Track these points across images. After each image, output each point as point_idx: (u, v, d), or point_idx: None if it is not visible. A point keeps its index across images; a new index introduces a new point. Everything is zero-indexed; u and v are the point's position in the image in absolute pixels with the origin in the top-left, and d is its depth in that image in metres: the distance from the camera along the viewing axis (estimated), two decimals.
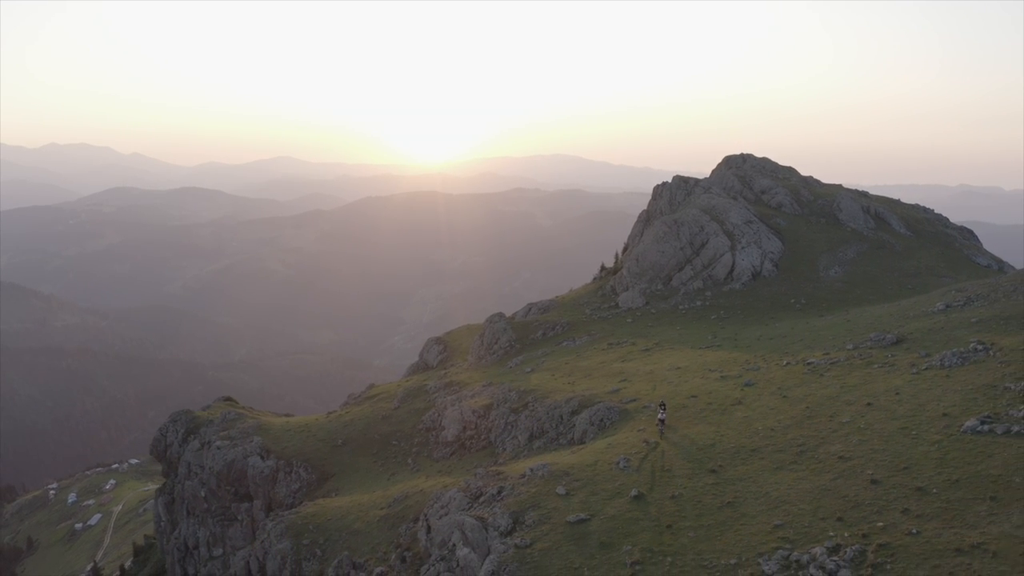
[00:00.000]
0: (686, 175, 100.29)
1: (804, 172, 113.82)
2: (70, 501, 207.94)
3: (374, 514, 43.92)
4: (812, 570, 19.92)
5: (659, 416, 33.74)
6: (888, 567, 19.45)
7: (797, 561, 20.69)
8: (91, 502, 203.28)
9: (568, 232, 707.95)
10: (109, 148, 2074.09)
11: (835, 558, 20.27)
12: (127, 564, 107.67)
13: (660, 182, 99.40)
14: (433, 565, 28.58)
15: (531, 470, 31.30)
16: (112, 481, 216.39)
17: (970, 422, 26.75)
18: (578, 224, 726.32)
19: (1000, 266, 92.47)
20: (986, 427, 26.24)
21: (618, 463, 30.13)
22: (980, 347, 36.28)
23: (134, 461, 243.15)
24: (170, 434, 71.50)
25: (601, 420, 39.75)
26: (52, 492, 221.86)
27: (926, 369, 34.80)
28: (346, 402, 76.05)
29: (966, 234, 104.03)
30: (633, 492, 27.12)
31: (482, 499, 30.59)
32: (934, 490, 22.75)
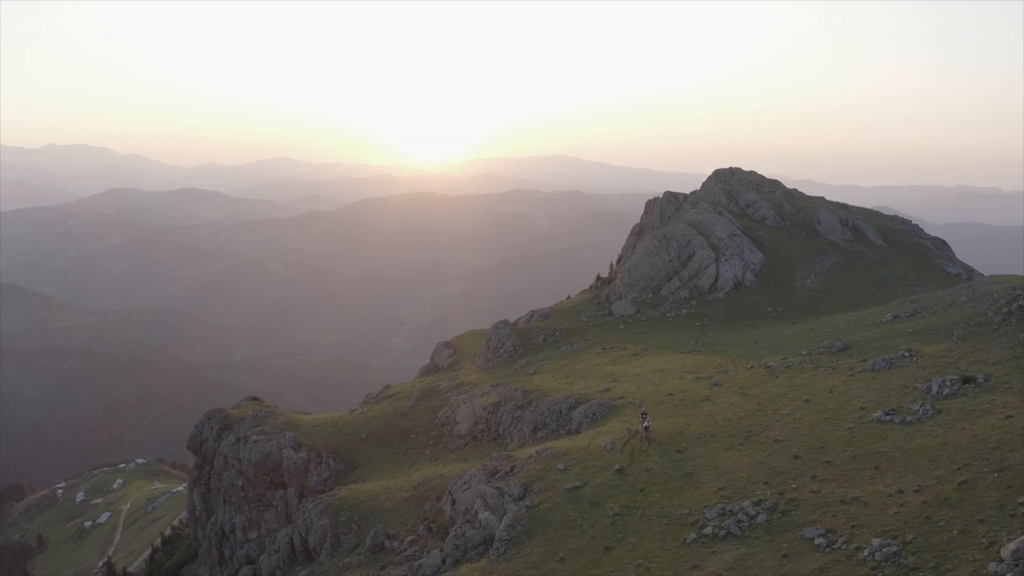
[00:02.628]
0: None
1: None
2: (78, 500, 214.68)
3: (401, 495, 52.08)
4: (740, 515, 28.19)
5: (644, 424, 39.64)
6: (791, 512, 27.72)
7: (730, 510, 28.95)
8: (99, 501, 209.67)
9: (567, 233, 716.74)
10: (107, 149, 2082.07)
11: (756, 508, 28.54)
12: (155, 547, 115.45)
13: (652, 197, 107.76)
14: (460, 527, 36.68)
15: (536, 453, 39.56)
16: (119, 480, 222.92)
17: (877, 413, 34.87)
18: (577, 225, 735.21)
19: (969, 274, 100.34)
20: (888, 417, 34.36)
21: (606, 446, 38.44)
22: (907, 354, 44.32)
23: (140, 461, 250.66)
24: (205, 430, 79.47)
25: (594, 414, 47.98)
26: (60, 491, 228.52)
27: (859, 372, 42.89)
28: (365, 401, 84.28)
29: (939, 244, 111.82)
30: (616, 467, 35.47)
31: (498, 475, 38.80)
32: (837, 463, 30.91)
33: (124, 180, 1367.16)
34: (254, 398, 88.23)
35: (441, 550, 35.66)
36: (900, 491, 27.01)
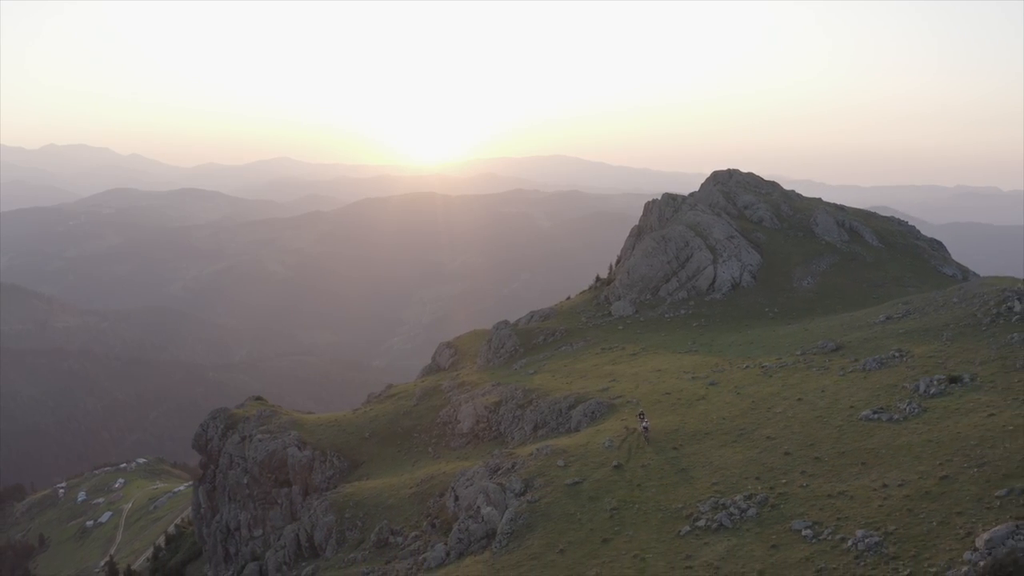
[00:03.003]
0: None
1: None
2: (80, 499, 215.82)
3: (404, 492, 53.37)
4: (732, 509, 29.52)
5: (643, 424, 40.79)
6: (781, 506, 29.03)
7: (723, 504, 30.28)
8: (101, 500, 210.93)
9: (567, 233, 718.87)
10: (107, 149, 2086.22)
11: (748, 502, 29.87)
12: (158, 546, 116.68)
13: (651, 199, 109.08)
14: (463, 522, 37.97)
15: (537, 450, 40.90)
16: (121, 480, 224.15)
17: (865, 412, 36.16)
18: (577, 225, 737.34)
19: (964, 275, 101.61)
20: (876, 415, 35.64)
21: (604, 443, 39.77)
22: (897, 354, 45.58)
23: (141, 460, 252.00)
24: (210, 429, 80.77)
25: (592, 413, 49.31)
26: (61, 491, 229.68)
27: (851, 372, 44.15)
28: (368, 400, 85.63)
29: (935, 245, 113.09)
30: (614, 463, 36.82)
31: (500, 472, 40.11)
32: (826, 459, 32.21)
33: (124, 180, 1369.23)
34: (258, 398, 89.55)
35: (445, 544, 36.97)
36: (884, 485, 28.30)
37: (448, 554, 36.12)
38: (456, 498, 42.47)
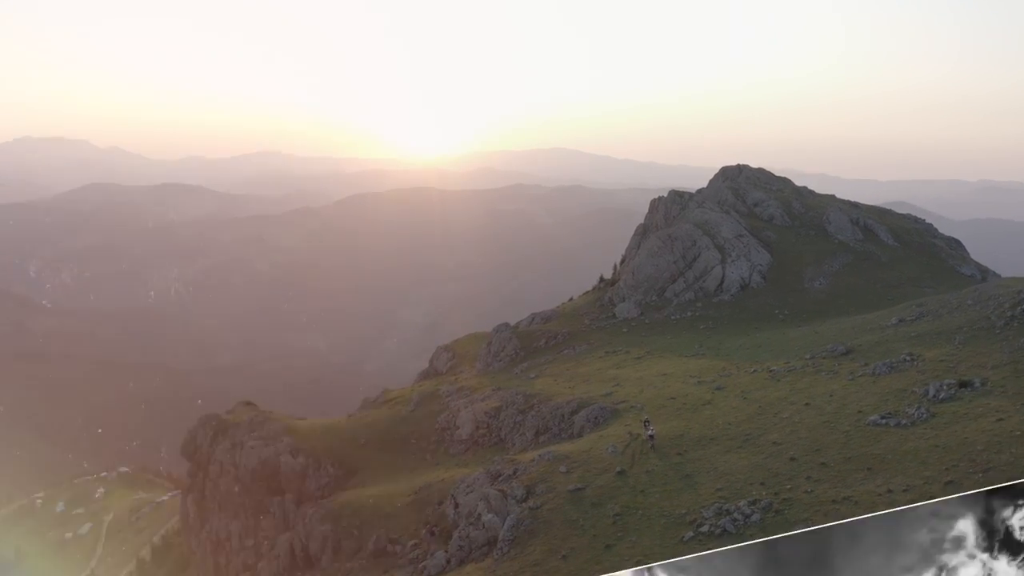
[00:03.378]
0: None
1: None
2: (58, 510, 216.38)
3: (402, 500, 54.72)
4: (735, 515, 30.78)
5: (648, 432, 41.83)
6: (785, 512, 30.28)
7: (727, 510, 31.53)
8: (81, 511, 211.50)
9: (570, 231, 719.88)
10: (86, 141, 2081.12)
11: (752, 507, 31.13)
12: (142, 559, 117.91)
13: (657, 196, 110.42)
14: (463, 529, 39.24)
15: (539, 456, 42.20)
16: (101, 489, 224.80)
17: (873, 417, 37.43)
18: (580, 222, 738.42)
19: (983, 275, 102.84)
20: (883, 420, 36.89)
21: (607, 449, 41.06)
22: (908, 358, 46.83)
23: (123, 469, 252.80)
24: (200, 436, 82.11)
25: (596, 418, 50.62)
26: (39, 501, 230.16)
27: (860, 376, 45.44)
28: (363, 406, 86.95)
29: (953, 244, 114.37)
30: (618, 469, 38.12)
31: (501, 478, 41.41)
32: (832, 464, 33.47)
33: (104, 174, 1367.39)
34: (248, 403, 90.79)
35: (446, 551, 38.22)
36: (889, 491, 29.53)
37: (449, 561, 37.37)
38: (456, 505, 43.72)
